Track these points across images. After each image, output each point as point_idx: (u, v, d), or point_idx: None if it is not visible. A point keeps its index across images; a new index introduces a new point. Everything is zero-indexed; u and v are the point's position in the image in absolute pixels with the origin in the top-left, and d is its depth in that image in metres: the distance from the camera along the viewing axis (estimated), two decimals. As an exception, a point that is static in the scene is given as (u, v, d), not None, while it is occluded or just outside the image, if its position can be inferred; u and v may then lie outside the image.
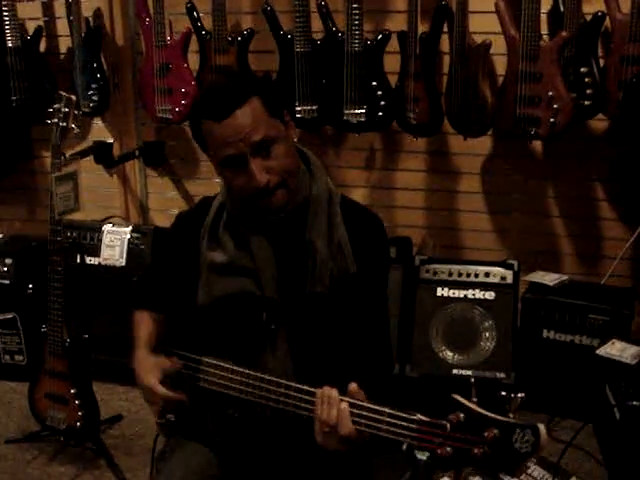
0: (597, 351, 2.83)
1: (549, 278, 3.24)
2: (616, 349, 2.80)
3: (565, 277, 3.26)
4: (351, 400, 1.60)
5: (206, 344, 1.87)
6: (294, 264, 1.85)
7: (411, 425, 1.50)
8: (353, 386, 1.63)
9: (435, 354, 3.19)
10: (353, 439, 1.59)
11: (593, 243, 3.50)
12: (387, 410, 1.54)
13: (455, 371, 3.13)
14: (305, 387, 1.68)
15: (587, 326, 3.03)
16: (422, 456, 1.48)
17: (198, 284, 1.90)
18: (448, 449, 1.45)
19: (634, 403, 2.47)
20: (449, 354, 3.17)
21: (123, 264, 3.43)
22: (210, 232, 1.90)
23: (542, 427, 1.38)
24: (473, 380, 1.50)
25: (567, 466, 2.73)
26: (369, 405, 1.58)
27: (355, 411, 1.59)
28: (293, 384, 1.70)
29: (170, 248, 2.06)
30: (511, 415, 1.43)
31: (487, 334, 3.16)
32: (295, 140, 1.86)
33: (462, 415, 1.45)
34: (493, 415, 1.43)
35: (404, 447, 1.50)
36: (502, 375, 3.06)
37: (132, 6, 3.64)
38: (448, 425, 1.46)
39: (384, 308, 1.98)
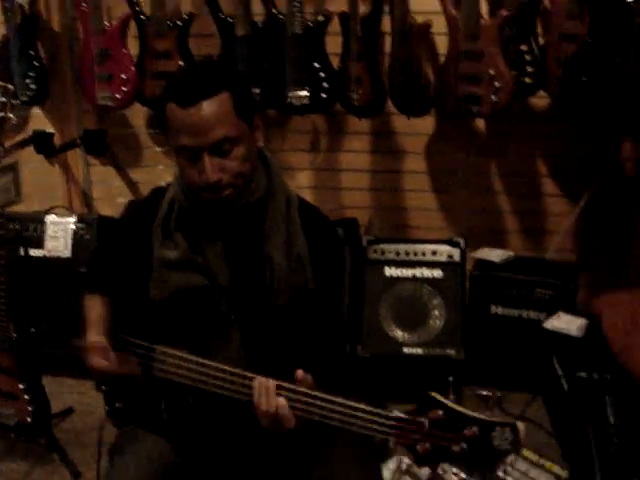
0: (544, 324, 2.88)
1: (495, 254, 3.28)
2: (562, 322, 2.85)
3: (511, 253, 3.31)
4: (296, 388, 1.63)
5: (160, 335, 1.85)
6: (250, 273, 1.84)
7: (389, 422, 1.52)
8: (299, 372, 1.65)
9: (385, 334, 3.21)
10: (296, 426, 1.63)
11: (537, 219, 3.55)
12: (363, 407, 1.55)
13: (406, 350, 3.16)
14: (248, 374, 1.69)
15: (534, 300, 3.08)
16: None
17: (150, 278, 1.87)
18: (427, 446, 1.47)
19: (581, 374, 2.52)
20: (399, 333, 3.20)
21: (68, 255, 3.37)
22: (163, 229, 1.87)
23: (521, 425, 1.41)
24: (451, 379, 1.52)
25: (518, 438, 2.78)
26: (346, 402, 1.58)
27: (308, 400, 1.62)
28: (236, 370, 1.71)
29: (120, 237, 2.03)
30: (488, 412, 1.45)
31: (436, 312, 3.19)
32: (261, 144, 1.83)
33: (441, 412, 1.47)
34: (473, 413, 1.45)
35: (391, 445, 1.52)
36: (452, 352, 3.09)
37: (69, -8, 3.58)
38: (427, 422, 1.47)
39: (339, 313, 2.02)
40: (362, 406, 1.56)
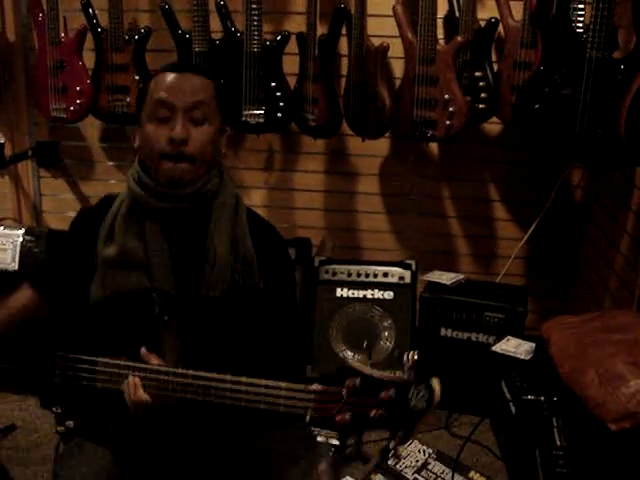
0: (492, 348, 2.90)
1: (446, 277, 3.30)
2: (511, 345, 2.87)
3: (461, 276, 3.34)
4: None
5: (100, 341, 1.84)
6: (190, 263, 1.85)
7: (308, 396, 1.53)
8: (142, 350, 1.74)
9: (335, 354, 3.21)
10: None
11: (488, 243, 3.60)
12: (283, 385, 1.57)
13: (356, 371, 3.15)
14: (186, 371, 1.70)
15: (483, 324, 3.11)
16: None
17: (92, 281, 1.87)
18: (346, 416, 1.48)
19: (529, 397, 2.54)
20: (349, 354, 3.20)
21: (15, 268, 3.31)
22: (109, 227, 1.87)
23: (436, 382, 1.42)
24: (366, 343, 1.54)
25: (466, 461, 2.79)
26: (265, 382, 1.59)
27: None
28: (174, 370, 1.71)
29: (68, 244, 2.01)
30: (405, 374, 1.46)
31: (386, 333, 3.19)
32: (223, 152, 1.92)
33: (358, 380, 1.47)
34: (388, 376, 1.46)
35: (307, 419, 1.53)
36: (401, 373, 3.10)
37: (24, 1, 3.53)
38: (344, 391, 1.48)
39: (294, 310, 2.02)
40: (281, 384, 1.57)
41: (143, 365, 1.74)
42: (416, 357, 1.48)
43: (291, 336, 1.97)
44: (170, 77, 1.81)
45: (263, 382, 1.59)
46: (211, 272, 1.83)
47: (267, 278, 1.89)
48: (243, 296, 1.85)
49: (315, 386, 1.53)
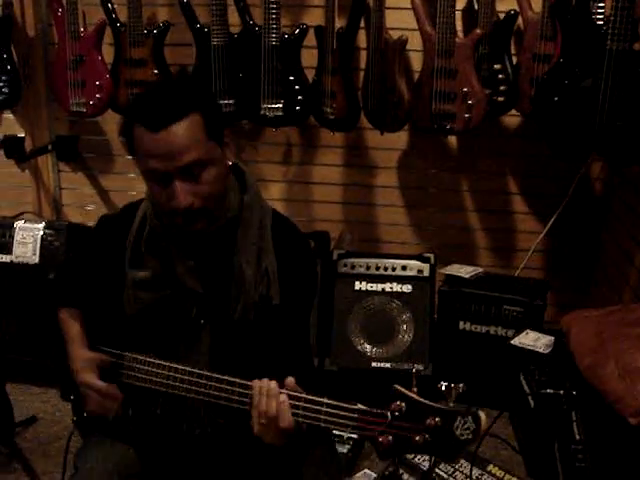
0: (511, 341, 2.89)
1: (465, 271, 3.30)
2: (530, 339, 2.87)
3: (480, 269, 3.33)
4: (290, 392, 1.60)
5: (130, 342, 1.84)
6: (220, 284, 1.83)
7: (352, 415, 1.51)
8: (290, 379, 1.62)
9: (354, 347, 3.21)
10: (291, 431, 1.59)
11: (507, 236, 3.59)
12: (326, 401, 1.55)
13: (374, 364, 3.16)
14: (238, 380, 1.66)
15: (502, 317, 3.10)
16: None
17: (122, 295, 1.86)
18: (389, 438, 1.47)
19: (547, 391, 2.53)
20: (368, 347, 3.20)
21: (36, 261, 3.32)
22: (133, 248, 1.85)
23: (483, 414, 1.41)
24: (415, 371, 1.52)
25: (484, 454, 2.78)
26: (308, 396, 1.58)
27: (294, 402, 1.59)
28: (225, 377, 1.68)
29: (92, 253, 2.00)
30: (451, 404, 1.46)
31: (405, 326, 3.19)
32: (231, 163, 1.80)
33: (403, 404, 1.47)
34: (434, 404, 1.46)
35: (345, 437, 1.52)
36: (420, 367, 3.10)
37: (44, -5, 3.55)
38: (389, 414, 1.47)
39: (305, 332, 1.99)
40: (325, 400, 1.55)
41: (182, 367, 1.73)
42: (461, 387, 1.46)
43: (299, 358, 1.93)
44: (152, 141, 1.62)
45: (305, 395, 1.58)
46: (238, 294, 1.82)
47: (285, 294, 1.85)
48: (258, 310, 1.84)
49: (359, 405, 1.51)
